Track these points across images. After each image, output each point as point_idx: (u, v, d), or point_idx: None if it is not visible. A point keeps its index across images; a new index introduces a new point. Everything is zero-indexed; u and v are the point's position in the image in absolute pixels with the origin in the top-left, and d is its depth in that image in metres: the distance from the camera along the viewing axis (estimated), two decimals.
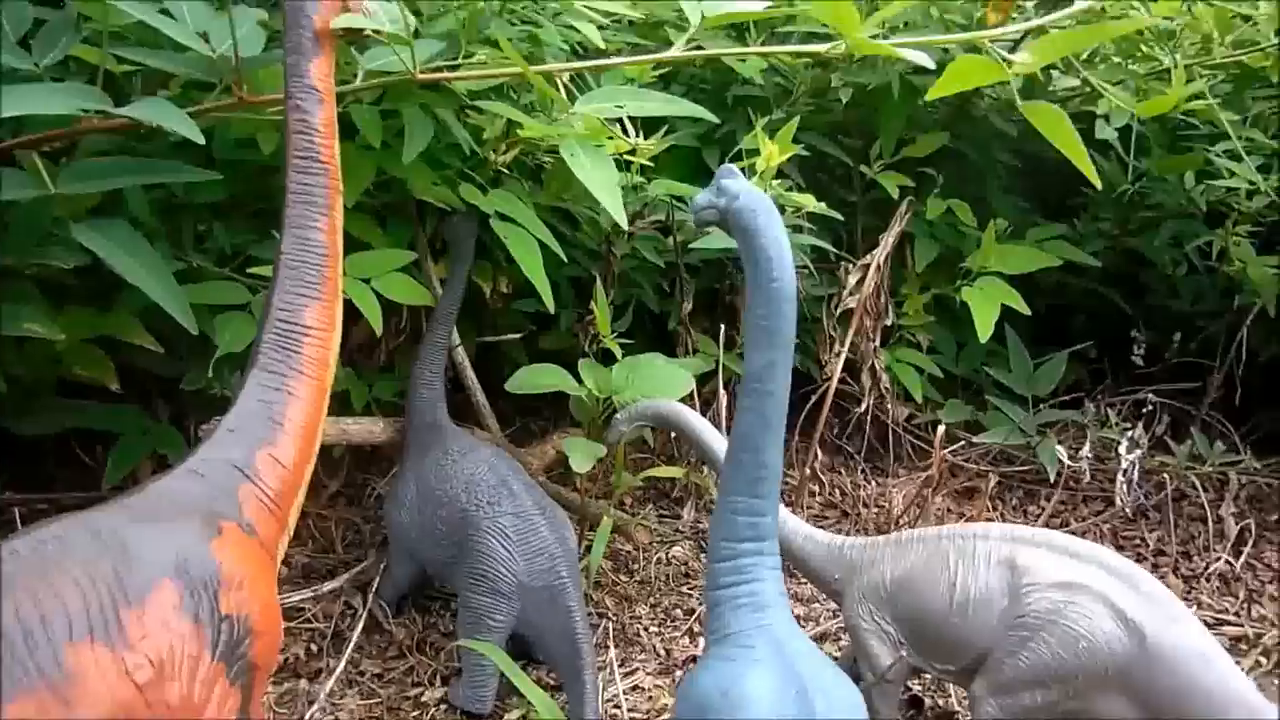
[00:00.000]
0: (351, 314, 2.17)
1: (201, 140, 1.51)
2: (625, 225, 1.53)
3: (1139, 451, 2.65)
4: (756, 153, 2.53)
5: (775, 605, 1.38)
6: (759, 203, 1.37)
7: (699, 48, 1.76)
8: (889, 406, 3.09)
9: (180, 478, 1.28)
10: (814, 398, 3.08)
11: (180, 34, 1.64)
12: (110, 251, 1.67)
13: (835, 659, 2.16)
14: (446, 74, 1.78)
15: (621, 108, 1.72)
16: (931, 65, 1.44)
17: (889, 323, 2.66)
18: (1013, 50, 1.53)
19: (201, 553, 1.19)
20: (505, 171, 2.33)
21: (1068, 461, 2.97)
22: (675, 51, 1.70)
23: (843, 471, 3.27)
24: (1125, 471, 2.64)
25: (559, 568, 1.89)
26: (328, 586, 2.20)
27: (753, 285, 1.36)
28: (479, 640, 1.85)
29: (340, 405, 2.56)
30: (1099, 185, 1.67)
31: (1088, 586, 1.59)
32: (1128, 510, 2.75)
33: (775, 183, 2.45)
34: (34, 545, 1.10)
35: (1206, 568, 2.71)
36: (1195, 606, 2.54)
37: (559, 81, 1.80)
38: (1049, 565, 1.64)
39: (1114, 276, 3.52)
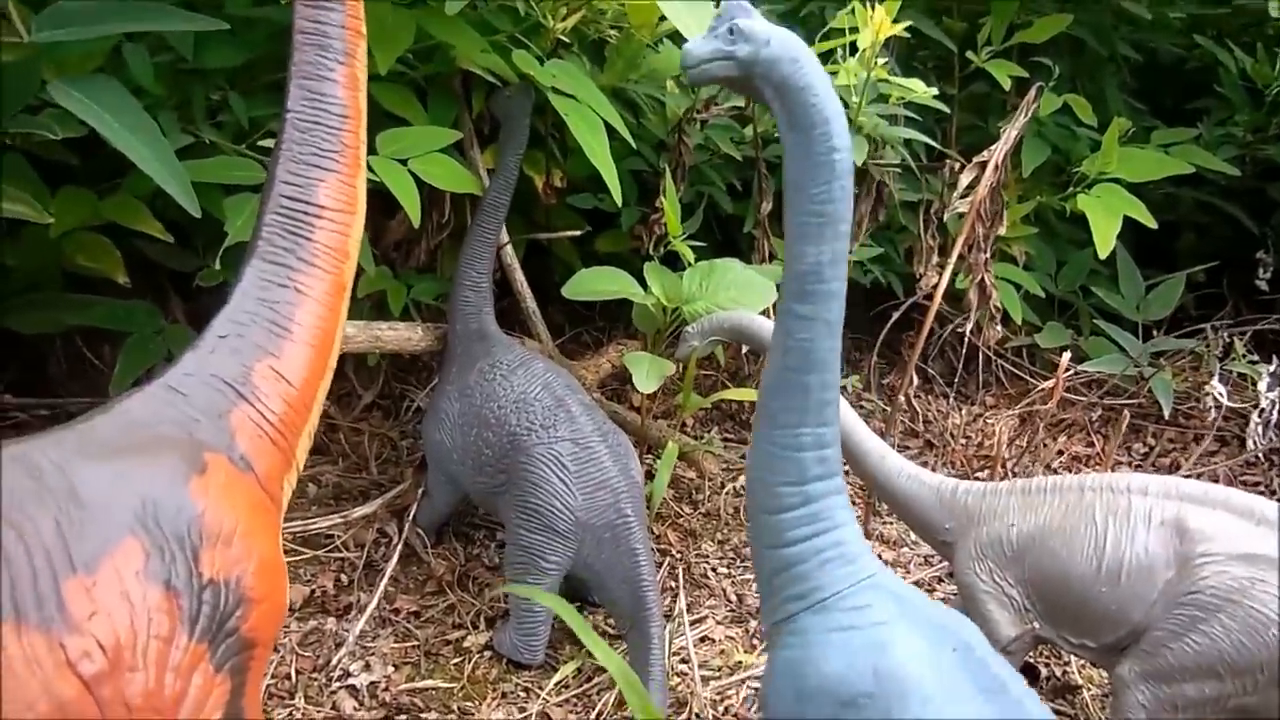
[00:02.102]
0: (387, 203, 1.89)
1: None
2: (683, 61, 1.17)
3: None
4: (845, 33, 2.17)
5: (865, 552, 1.11)
6: (799, 49, 1.05)
7: None
8: (983, 328, 2.76)
9: (154, 397, 1.00)
10: (895, 315, 2.78)
11: None
12: (94, 115, 1.39)
13: None
14: None
15: None
16: None
17: (1002, 231, 2.30)
18: None
19: (177, 497, 0.92)
20: (564, 42, 2.00)
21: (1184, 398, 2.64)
22: None
23: (925, 397, 2.96)
24: (1263, 411, 2.30)
25: (622, 503, 1.62)
26: (359, 511, 1.97)
27: (802, 156, 1.05)
28: (530, 584, 1.61)
29: (377, 309, 2.30)
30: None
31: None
32: (1261, 453, 2.41)
33: (880, 62, 2.09)
34: None
35: None
36: None
37: None
38: (1229, 532, 1.33)
39: (1236, 190, 3.11)
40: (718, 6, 1.10)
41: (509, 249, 2.21)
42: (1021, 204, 2.83)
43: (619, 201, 1.78)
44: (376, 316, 2.30)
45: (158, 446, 0.95)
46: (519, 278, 2.33)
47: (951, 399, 2.94)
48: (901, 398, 2.24)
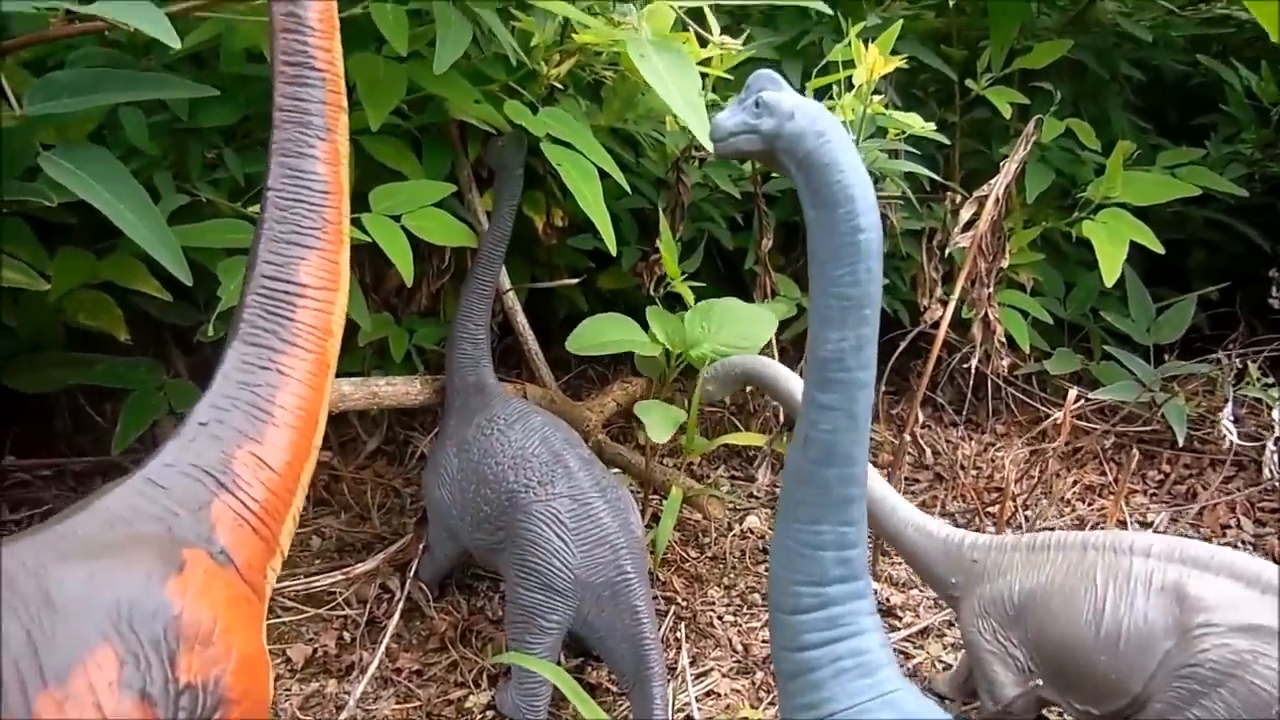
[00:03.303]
0: (386, 258, 1.88)
1: (177, 43, 1.20)
2: (710, 144, 1.18)
3: None
4: (842, 65, 2.15)
5: (887, 663, 1.05)
6: (825, 123, 1.02)
7: None
8: (991, 356, 2.73)
9: (134, 492, 0.99)
10: (902, 344, 2.75)
11: None
12: (85, 185, 1.39)
13: (947, 667, 1.86)
14: None
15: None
16: None
17: (1005, 264, 2.28)
18: None
19: (153, 599, 0.90)
20: (559, 87, 1.99)
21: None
22: None
23: (934, 427, 2.93)
24: (1278, 440, 2.25)
25: (622, 560, 1.60)
26: (362, 567, 1.95)
27: (825, 236, 1.01)
28: (529, 644, 1.59)
29: (379, 355, 2.30)
30: None
31: None
32: (1278, 482, 2.37)
33: (877, 96, 2.07)
34: None
35: None
36: None
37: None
38: (1230, 600, 1.28)
39: (1247, 207, 3.07)
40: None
41: (511, 294, 2.20)
42: (1028, 229, 2.81)
43: (613, 250, 1.77)
44: (378, 364, 2.30)
45: (135, 546, 0.93)
46: (520, 320, 2.32)
47: (961, 428, 2.90)
48: (907, 435, 2.20)
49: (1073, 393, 2.02)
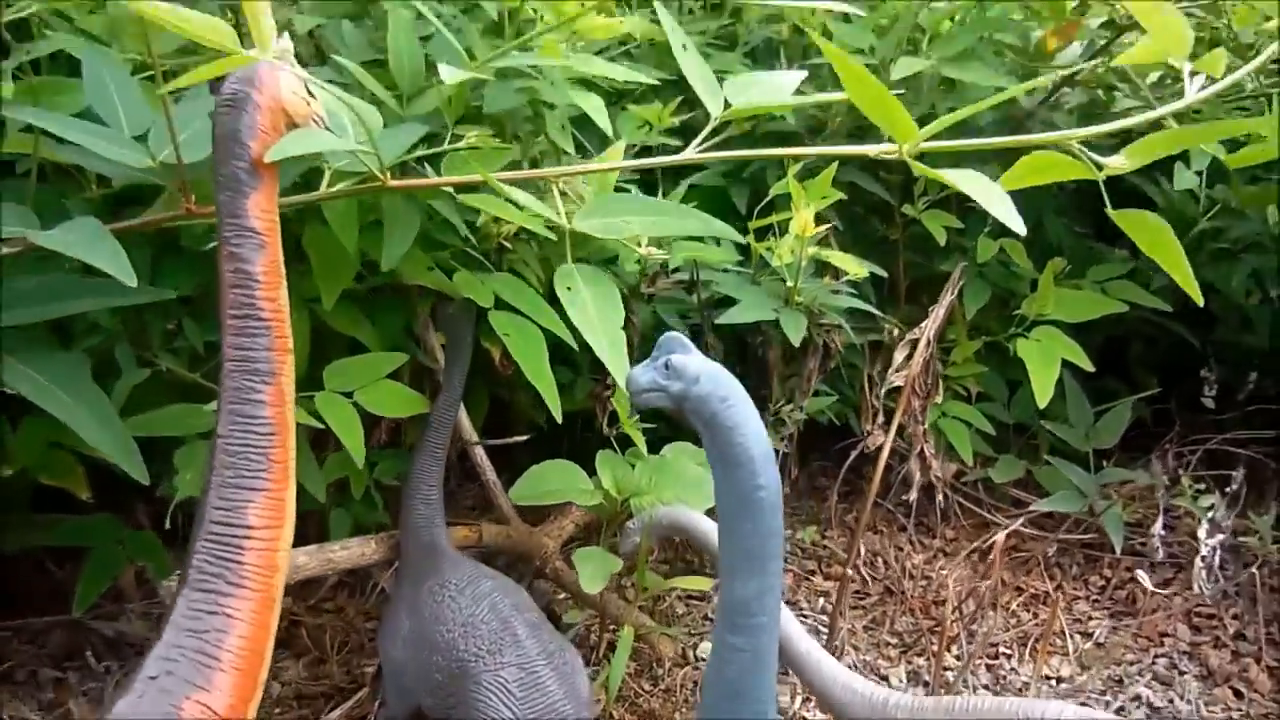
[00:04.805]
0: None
1: (134, 283, 1.28)
2: (622, 382, 1.26)
3: (1220, 536, 2.37)
4: (788, 198, 2.27)
5: None
6: (728, 388, 1.11)
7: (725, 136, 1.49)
8: (935, 464, 2.82)
9: None
10: (853, 454, 2.85)
11: (110, 145, 1.40)
12: (47, 395, 1.46)
13: None
14: (424, 180, 1.52)
15: (627, 224, 1.46)
16: (1014, 221, 1.17)
17: (939, 400, 2.39)
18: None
19: None
20: (508, 247, 2.09)
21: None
22: (691, 153, 1.43)
23: (885, 532, 3.02)
24: (1204, 558, 2.36)
25: None
26: None
27: (728, 494, 1.11)
28: None
29: (338, 491, 2.35)
30: (1200, 301, 1.39)
31: None
32: (1206, 598, 2.47)
33: (811, 250, 2.19)
34: None
35: None
36: None
37: (554, 189, 1.54)
38: None
39: (1179, 309, 3.21)
40: None
41: (479, 450, 2.27)
42: (971, 340, 2.92)
43: (559, 417, 1.84)
44: (338, 501, 2.36)
45: None
46: (480, 452, 2.39)
47: (911, 532, 2.99)
48: (849, 570, 2.28)
49: (1000, 537, 2.10)
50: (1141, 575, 2.26)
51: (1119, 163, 1.25)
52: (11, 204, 1.41)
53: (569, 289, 1.42)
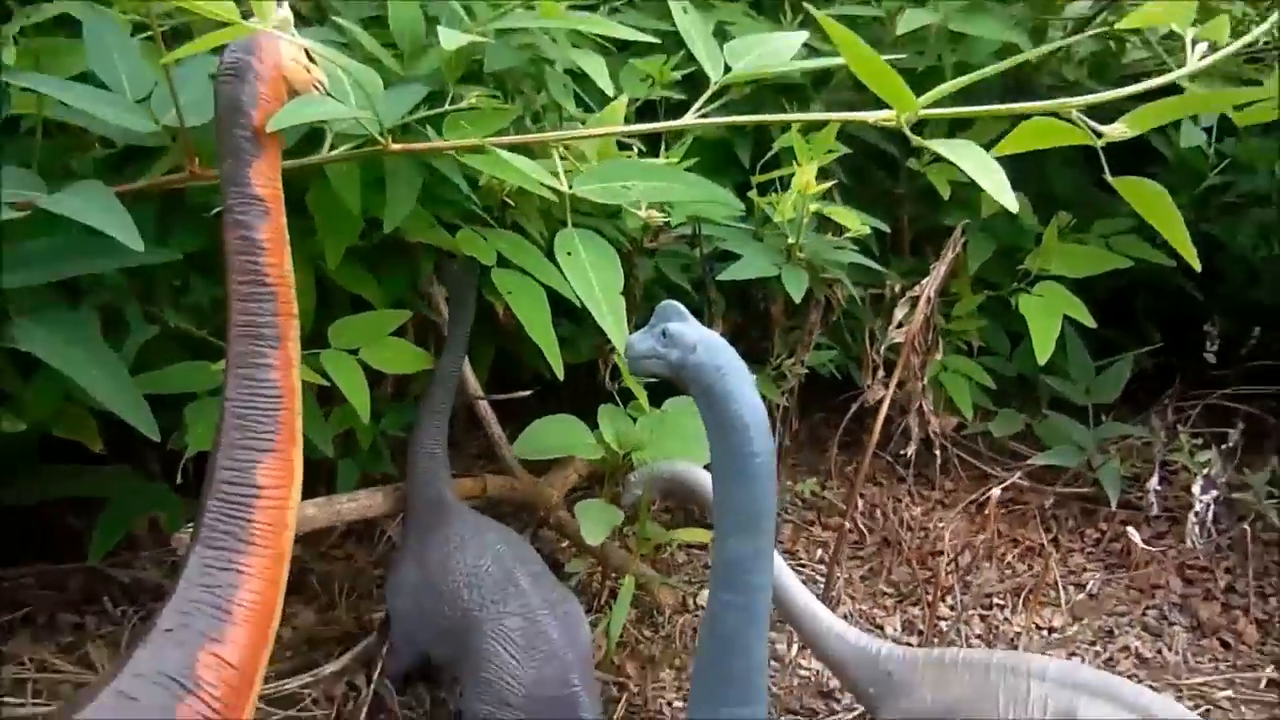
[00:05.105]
0: None
1: (140, 248, 1.31)
2: (621, 345, 1.29)
3: (1214, 492, 2.40)
4: (791, 152, 2.26)
5: None
6: (724, 356, 1.14)
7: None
8: (935, 421, 2.85)
9: (106, 708, 1.10)
10: (854, 406, 2.88)
11: (112, 109, 1.41)
12: (55, 353, 1.49)
13: None
14: (423, 144, 1.53)
15: (628, 189, 1.47)
16: (1008, 198, 1.18)
17: (939, 356, 2.41)
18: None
19: None
20: (510, 204, 2.09)
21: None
22: (690, 118, 1.44)
23: (885, 483, 3.06)
24: (1198, 513, 2.40)
25: (570, 675, 1.72)
26: (330, 668, 2.07)
27: (724, 459, 1.15)
28: None
29: (345, 442, 2.40)
30: (1198, 268, 1.40)
31: None
32: (1199, 552, 2.52)
33: (814, 206, 2.19)
34: None
35: None
36: (1273, 666, 2.33)
37: (555, 152, 1.55)
38: None
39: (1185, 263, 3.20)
40: None
41: (484, 404, 2.31)
42: (975, 294, 2.93)
43: (560, 375, 1.87)
44: (343, 453, 2.40)
45: None
46: (484, 405, 2.43)
47: (910, 485, 3.03)
48: (847, 523, 2.33)
49: (995, 492, 2.14)
50: (1132, 532, 2.29)
51: (1119, 130, 1.25)
52: (18, 168, 1.43)
53: (569, 254, 1.44)
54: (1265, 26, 1.27)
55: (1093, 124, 1.26)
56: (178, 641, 1.14)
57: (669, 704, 2.10)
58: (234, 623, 1.17)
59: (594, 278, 1.42)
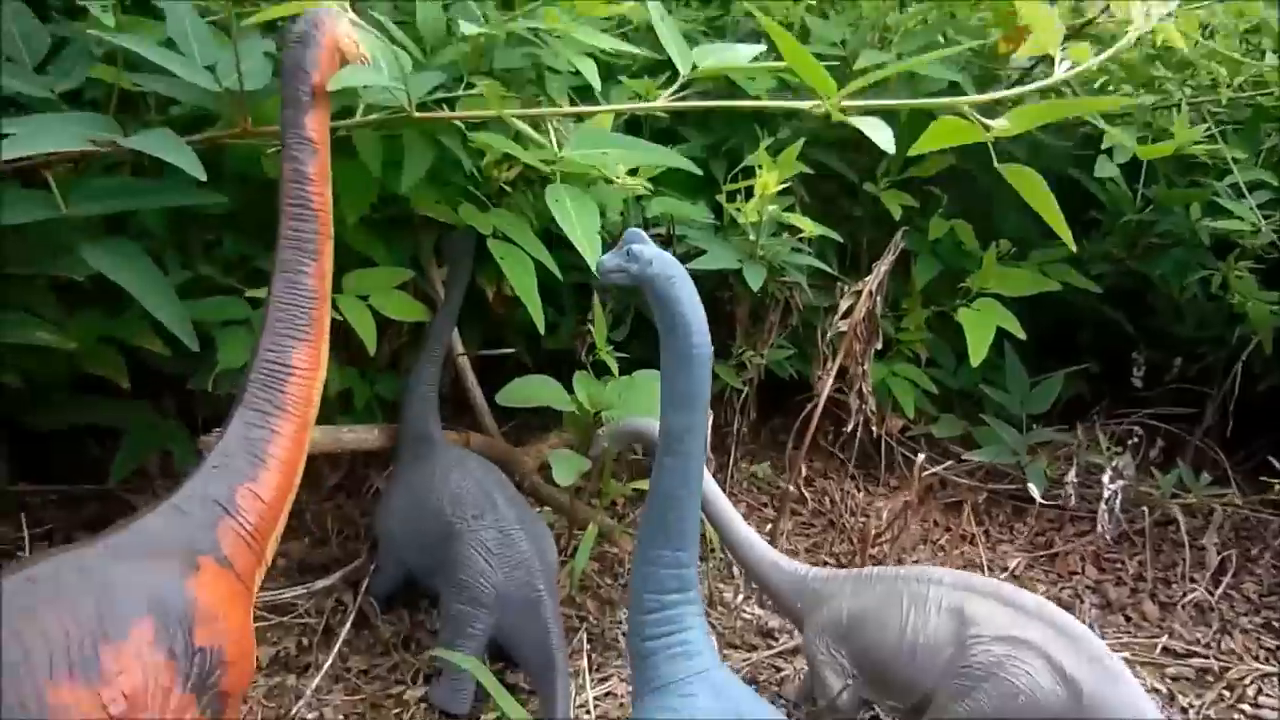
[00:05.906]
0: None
1: (204, 176, 1.59)
2: (595, 268, 1.59)
3: (1122, 481, 2.70)
4: (757, 169, 2.57)
5: (706, 651, 1.46)
6: (673, 269, 1.41)
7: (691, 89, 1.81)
8: (883, 418, 3.15)
9: (164, 514, 1.37)
10: (809, 407, 3.16)
11: (187, 70, 1.71)
12: (118, 270, 1.77)
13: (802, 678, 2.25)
14: (442, 113, 1.84)
15: (606, 154, 1.78)
16: (889, 144, 1.49)
17: (879, 348, 2.71)
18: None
19: (179, 590, 1.29)
20: (508, 190, 2.39)
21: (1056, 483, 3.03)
22: (664, 101, 1.76)
23: (835, 478, 3.34)
24: (1107, 500, 2.69)
25: (536, 581, 1.98)
26: (321, 583, 2.31)
27: (669, 350, 1.41)
28: (458, 646, 1.95)
29: (344, 403, 2.67)
30: (1073, 247, 1.71)
31: (1030, 642, 1.66)
32: (1108, 537, 2.80)
33: (772, 208, 2.50)
34: (27, 583, 1.20)
35: (1184, 596, 2.76)
36: (1168, 636, 2.60)
37: (549, 126, 1.85)
38: (995, 617, 1.70)
39: (1120, 294, 3.53)
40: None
41: (463, 359, 2.58)
42: (923, 309, 3.24)
43: (542, 329, 2.15)
44: (342, 410, 2.67)
45: (166, 554, 1.33)
46: (470, 378, 2.71)
47: (858, 480, 3.31)
48: (791, 488, 2.61)
49: (920, 458, 2.43)
50: (1032, 488, 2.60)
51: (1003, 124, 1.56)
52: (99, 114, 1.72)
53: (557, 200, 1.74)
54: (1116, 48, 1.58)
55: (982, 119, 1.56)
56: (222, 476, 1.42)
57: (623, 634, 2.35)
58: (267, 469, 1.44)
59: (575, 216, 1.71)
